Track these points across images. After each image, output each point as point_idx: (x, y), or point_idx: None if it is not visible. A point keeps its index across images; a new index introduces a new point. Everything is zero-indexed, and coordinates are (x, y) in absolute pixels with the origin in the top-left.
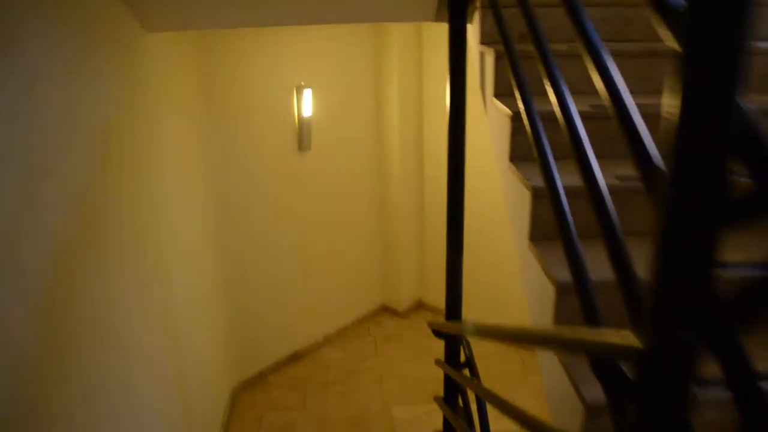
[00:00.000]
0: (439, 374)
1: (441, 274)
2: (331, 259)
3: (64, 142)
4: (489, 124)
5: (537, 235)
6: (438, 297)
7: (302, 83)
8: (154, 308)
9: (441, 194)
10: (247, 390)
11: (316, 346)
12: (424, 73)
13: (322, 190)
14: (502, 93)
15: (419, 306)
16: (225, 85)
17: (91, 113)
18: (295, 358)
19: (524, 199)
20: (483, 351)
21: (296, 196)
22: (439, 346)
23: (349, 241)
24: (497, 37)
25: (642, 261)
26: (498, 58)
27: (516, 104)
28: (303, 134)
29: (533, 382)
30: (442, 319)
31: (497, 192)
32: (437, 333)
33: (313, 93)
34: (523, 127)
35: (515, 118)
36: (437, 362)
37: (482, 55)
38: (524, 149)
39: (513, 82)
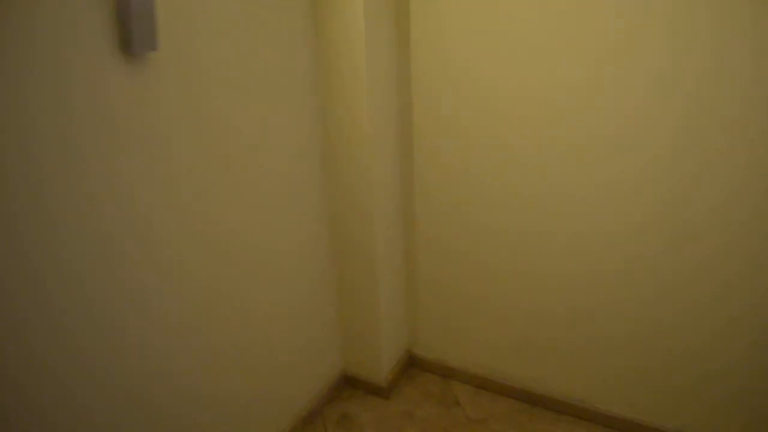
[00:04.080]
0: None
1: (444, 304)
2: (243, 311)
3: None
4: None
5: None
6: (439, 343)
7: None
8: None
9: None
10: None
11: None
12: None
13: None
14: None
15: (410, 364)
16: None
17: None
18: None
19: None
20: None
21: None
22: None
23: (274, 274)
24: None
25: None
26: None
27: None
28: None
29: None
30: (457, 387)
31: None
32: None
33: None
34: None
35: None
36: None
37: None
38: None
39: None
